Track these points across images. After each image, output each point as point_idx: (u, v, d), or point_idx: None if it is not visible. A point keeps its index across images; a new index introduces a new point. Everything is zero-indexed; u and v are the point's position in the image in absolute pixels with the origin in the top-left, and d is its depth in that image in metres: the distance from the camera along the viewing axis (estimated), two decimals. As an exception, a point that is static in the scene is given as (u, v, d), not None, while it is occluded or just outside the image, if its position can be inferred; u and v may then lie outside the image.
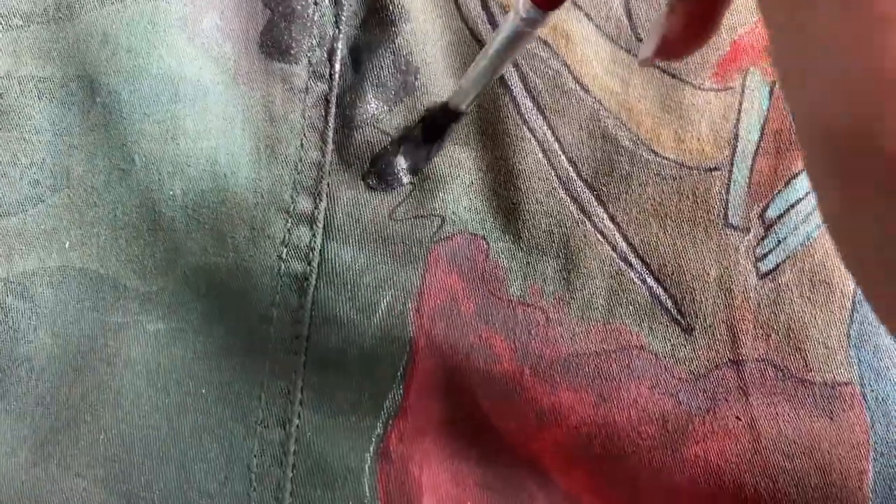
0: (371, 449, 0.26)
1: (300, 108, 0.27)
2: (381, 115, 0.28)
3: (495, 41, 0.22)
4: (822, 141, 0.13)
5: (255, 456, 0.26)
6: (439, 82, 0.28)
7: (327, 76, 0.28)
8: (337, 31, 0.28)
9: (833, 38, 0.12)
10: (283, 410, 0.26)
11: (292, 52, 0.28)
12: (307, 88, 0.28)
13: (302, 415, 0.26)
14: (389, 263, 0.27)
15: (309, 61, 0.28)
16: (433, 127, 0.27)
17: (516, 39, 0.22)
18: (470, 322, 0.27)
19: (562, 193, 0.27)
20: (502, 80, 0.28)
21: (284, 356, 0.26)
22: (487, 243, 0.27)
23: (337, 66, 0.28)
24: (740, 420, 0.26)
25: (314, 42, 0.28)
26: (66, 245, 0.26)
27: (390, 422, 0.26)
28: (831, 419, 0.26)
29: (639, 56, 0.23)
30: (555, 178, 0.27)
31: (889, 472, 0.26)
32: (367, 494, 0.26)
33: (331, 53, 0.28)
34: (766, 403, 0.26)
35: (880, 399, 0.26)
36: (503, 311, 0.27)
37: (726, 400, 0.26)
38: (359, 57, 0.28)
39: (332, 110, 0.28)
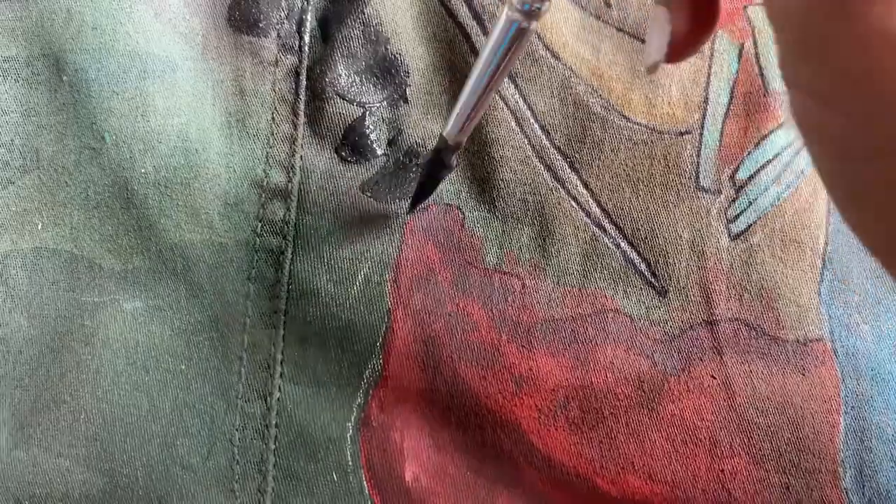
0: (352, 418, 0.26)
1: (270, 81, 0.27)
2: (352, 86, 0.27)
3: (487, 48, 0.19)
4: None
5: (236, 430, 0.26)
6: (410, 52, 0.28)
7: (297, 48, 0.28)
8: (305, 3, 0.28)
9: None
10: (264, 384, 0.26)
11: (261, 25, 0.27)
12: (277, 61, 0.27)
13: (282, 388, 0.26)
14: (365, 235, 0.27)
15: (278, 34, 0.28)
16: (433, 164, 0.25)
17: (514, 39, 0.19)
18: (447, 291, 0.27)
19: (535, 161, 0.28)
20: (473, 48, 0.28)
21: (263, 330, 0.26)
22: (463, 213, 0.27)
23: (306, 38, 0.28)
24: (715, 378, 0.26)
25: (283, 14, 0.28)
26: (39, 226, 0.26)
27: (371, 391, 0.26)
28: (803, 375, 0.27)
29: (644, 63, 0.21)
30: (528, 145, 0.28)
31: (859, 424, 0.26)
32: (350, 463, 0.26)
33: (300, 25, 0.28)
34: (739, 362, 0.27)
35: (850, 354, 0.27)
36: (479, 279, 0.27)
37: (701, 359, 0.27)
38: (328, 28, 0.28)
39: (303, 83, 0.27)
